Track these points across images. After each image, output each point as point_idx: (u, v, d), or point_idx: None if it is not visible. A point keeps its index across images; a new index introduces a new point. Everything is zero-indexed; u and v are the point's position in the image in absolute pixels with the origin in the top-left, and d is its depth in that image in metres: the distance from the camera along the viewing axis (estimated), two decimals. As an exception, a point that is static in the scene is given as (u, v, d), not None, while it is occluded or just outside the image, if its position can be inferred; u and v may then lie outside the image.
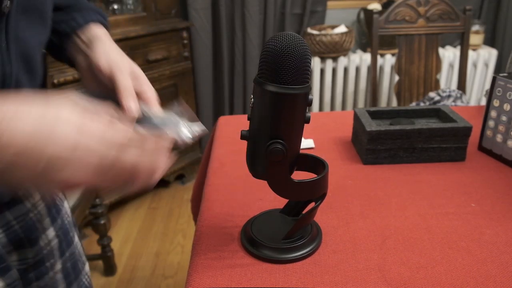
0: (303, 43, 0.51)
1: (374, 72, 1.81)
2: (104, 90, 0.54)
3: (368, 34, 2.40)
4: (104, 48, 0.56)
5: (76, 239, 0.69)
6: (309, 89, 0.54)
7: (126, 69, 0.55)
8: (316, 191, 0.61)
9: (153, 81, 2.18)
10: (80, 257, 0.68)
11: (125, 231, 2.00)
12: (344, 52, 2.30)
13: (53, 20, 0.59)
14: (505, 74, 0.88)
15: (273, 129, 0.55)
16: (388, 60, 2.34)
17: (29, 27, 0.49)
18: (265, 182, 0.60)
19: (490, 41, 2.58)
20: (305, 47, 0.51)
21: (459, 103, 1.72)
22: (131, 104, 0.50)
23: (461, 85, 1.85)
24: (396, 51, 2.09)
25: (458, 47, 2.38)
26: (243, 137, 0.58)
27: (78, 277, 0.67)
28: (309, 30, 2.30)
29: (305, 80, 0.53)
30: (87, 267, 0.71)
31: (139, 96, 0.53)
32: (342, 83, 2.41)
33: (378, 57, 2.30)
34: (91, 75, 0.56)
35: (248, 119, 0.58)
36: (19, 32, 0.47)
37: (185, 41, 2.14)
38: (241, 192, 0.80)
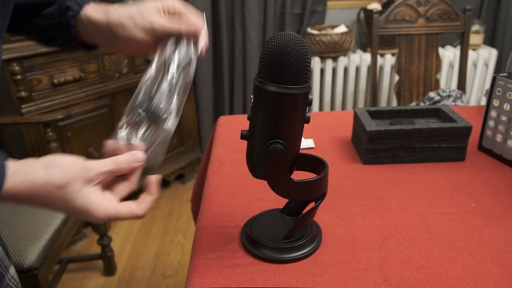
0: (303, 42, 0.51)
1: (374, 72, 1.81)
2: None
3: (368, 34, 2.40)
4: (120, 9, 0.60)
5: None
6: (309, 89, 0.54)
7: (153, 8, 0.58)
8: (316, 191, 0.61)
9: (153, 81, 2.15)
10: (1, 261, 0.65)
11: (125, 231, 2.00)
12: (344, 52, 2.30)
13: (47, 14, 0.62)
14: (505, 74, 0.88)
15: (273, 129, 0.55)
16: (388, 60, 2.34)
17: None
18: (265, 182, 0.60)
19: (490, 41, 2.58)
20: (305, 47, 0.51)
21: (459, 103, 1.72)
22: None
23: (461, 85, 1.85)
24: (396, 51, 2.09)
25: (458, 47, 2.38)
26: (243, 137, 0.58)
27: (3, 282, 0.64)
28: (309, 30, 2.30)
29: (305, 80, 0.53)
30: (11, 270, 0.67)
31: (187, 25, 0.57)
32: (342, 83, 2.40)
33: (378, 57, 2.30)
34: (114, 38, 0.60)
35: (248, 119, 0.58)
36: None
37: (185, 41, 2.14)
38: (241, 192, 0.80)
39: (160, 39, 0.58)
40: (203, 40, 0.58)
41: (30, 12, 0.63)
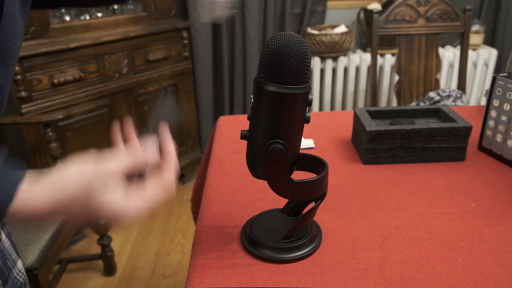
0: (303, 42, 0.51)
1: (374, 72, 1.81)
2: None
3: (368, 34, 2.40)
4: None
5: (3, 236, 0.67)
6: (309, 89, 0.54)
7: None
8: (316, 191, 0.61)
9: (153, 81, 2.15)
10: (9, 255, 0.67)
11: (125, 231, 2.00)
12: (344, 52, 2.30)
13: None
14: (505, 74, 0.88)
15: (273, 129, 0.55)
16: (388, 60, 2.34)
17: (0, 66, 0.50)
18: (265, 182, 0.60)
19: (490, 41, 2.58)
20: (305, 46, 0.51)
21: (459, 103, 1.73)
22: None
23: (461, 85, 1.85)
24: (396, 51, 2.09)
25: (458, 47, 2.38)
26: (243, 137, 0.58)
27: (10, 276, 0.65)
28: (309, 30, 2.30)
29: (305, 80, 0.53)
30: (19, 264, 0.69)
31: None
32: (342, 83, 2.40)
33: (378, 57, 2.30)
34: None
35: (248, 119, 0.58)
36: None
37: (185, 41, 2.14)
38: (241, 192, 0.80)
39: None
40: None
41: None
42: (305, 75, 0.53)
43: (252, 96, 0.56)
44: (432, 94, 1.76)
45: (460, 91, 1.78)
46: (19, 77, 1.53)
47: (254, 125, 0.57)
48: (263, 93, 0.53)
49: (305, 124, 0.57)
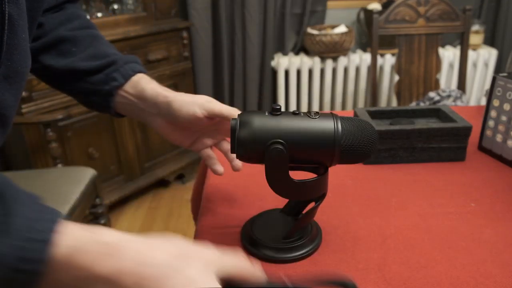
0: None
1: (374, 72, 1.81)
2: None
3: (368, 34, 2.41)
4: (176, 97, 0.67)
5: None
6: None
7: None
8: (316, 191, 0.61)
9: (153, 81, 2.15)
10: None
11: (125, 231, 2.00)
12: (344, 52, 2.30)
13: (93, 81, 0.67)
14: (505, 74, 0.88)
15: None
16: (388, 60, 2.34)
17: (9, 89, 0.50)
18: (265, 182, 0.60)
19: (490, 41, 2.58)
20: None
21: (459, 103, 1.73)
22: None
23: (461, 85, 1.85)
24: (396, 51, 2.09)
25: (458, 47, 2.38)
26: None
27: None
28: (309, 30, 2.30)
29: None
30: None
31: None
32: (342, 83, 2.41)
33: (378, 57, 2.30)
34: (169, 124, 0.68)
35: (248, 119, 0.58)
36: None
37: (185, 41, 2.14)
38: (241, 192, 0.80)
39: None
40: None
41: (78, 76, 0.68)
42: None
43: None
44: (432, 94, 1.76)
45: (460, 91, 1.78)
46: (19, 77, 1.53)
47: (254, 125, 0.57)
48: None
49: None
